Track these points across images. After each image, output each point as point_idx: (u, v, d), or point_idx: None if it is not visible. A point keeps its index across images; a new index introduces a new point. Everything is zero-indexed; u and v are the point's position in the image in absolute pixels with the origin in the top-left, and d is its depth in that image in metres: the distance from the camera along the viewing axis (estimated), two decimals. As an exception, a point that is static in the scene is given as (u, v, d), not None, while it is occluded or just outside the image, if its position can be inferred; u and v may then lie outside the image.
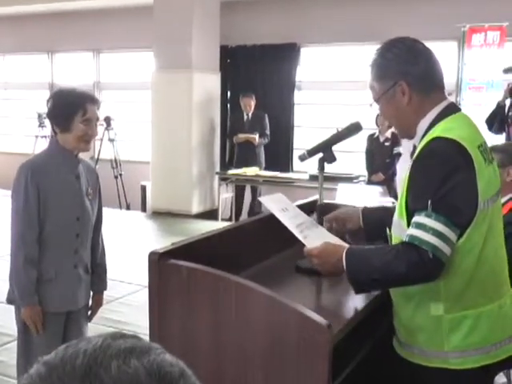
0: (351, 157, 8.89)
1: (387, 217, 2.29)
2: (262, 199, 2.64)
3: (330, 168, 2.82)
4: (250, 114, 9.70)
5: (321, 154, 2.67)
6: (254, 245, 2.82)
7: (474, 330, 2.09)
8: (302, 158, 2.71)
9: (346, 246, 2.20)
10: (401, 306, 2.21)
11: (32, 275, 2.99)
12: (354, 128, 2.72)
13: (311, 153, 2.68)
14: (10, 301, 3.13)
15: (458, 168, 1.98)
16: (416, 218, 1.98)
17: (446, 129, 2.06)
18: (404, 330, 2.22)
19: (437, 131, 2.07)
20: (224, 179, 9.72)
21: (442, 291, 2.06)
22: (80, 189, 3.10)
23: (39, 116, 11.76)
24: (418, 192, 2.02)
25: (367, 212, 2.61)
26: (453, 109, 2.18)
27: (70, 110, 3.00)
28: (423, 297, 2.11)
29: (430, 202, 1.95)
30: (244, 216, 9.49)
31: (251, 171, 9.33)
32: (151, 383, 0.68)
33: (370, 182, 8.62)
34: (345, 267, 2.11)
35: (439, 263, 1.95)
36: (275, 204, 2.55)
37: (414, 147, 2.24)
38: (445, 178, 1.96)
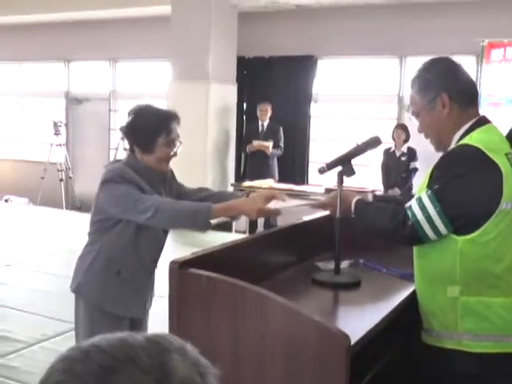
0: (367, 171, 8.91)
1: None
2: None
3: (345, 182, 2.87)
4: (265, 124, 9.76)
5: (340, 168, 2.71)
6: (272, 257, 2.87)
7: (486, 317, 2.25)
8: (321, 171, 2.76)
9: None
10: (422, 290, 2.40)
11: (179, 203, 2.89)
12: (373, 142, 2.76)
13: (330, 166, 2.73)
14: (76, 291, 3.10)
15: (470, 171, 2.22)
16: (421, 193, 2.28)
17: (474, 138, 2.28)
18: (424, 313, 2.40)
19: (465, 140, 2.30)
20: (238, 191, 9.76)
21: (458, 274, 2.24)
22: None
23: (54, 124, 11.87)
24: (432, 180, 2.28)
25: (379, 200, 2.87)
26: (484, 121, 2.38)
27: (154, 132, 2.93)
28: (442, 280, 2.29)
29: (435, 187, 2.24)
30: (260, 229, 9.50)
31: (265, 183, 9.35)
32: None
33: (385, 196, 8.65)
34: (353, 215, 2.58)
35: (414, 234, 2.27)
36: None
37: None
38: (455, 177, 2.22)
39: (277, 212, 2.86)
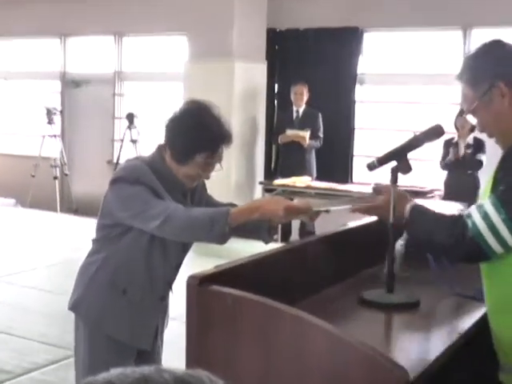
0: (424, 166, 8.84)
1: None
2: None
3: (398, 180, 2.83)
4: (300, 111, 9.73)
5: (394, 163, 2.68)
6: (311, 271, 2.85)
7: None
8: (371, 167, 2.73)
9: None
10: (494, 317, 2.36)
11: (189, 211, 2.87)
12: (435, 132, 2.73)
13: (382, 161, 2.69)
14: (74, 307, 3.11)
15: None
16: (484, 200, 2.27)
17: None
18: (498, 345, 2.35)
19: None
20: (269, 190, 9.72)
21: None
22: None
23: (48, 111, 11.92)
24: (496, 183, 2.27)
25: None
26: None
27: (197, 146, 2.95)
28: None
29: (499, 190, 2.22)
30: (294, 236, 9.47)
31: (301, 182, 9.31)
32: None
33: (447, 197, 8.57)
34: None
35: (476, 248, 2.24)
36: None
37: None
38: None
39: (310, 209, 2.83)
